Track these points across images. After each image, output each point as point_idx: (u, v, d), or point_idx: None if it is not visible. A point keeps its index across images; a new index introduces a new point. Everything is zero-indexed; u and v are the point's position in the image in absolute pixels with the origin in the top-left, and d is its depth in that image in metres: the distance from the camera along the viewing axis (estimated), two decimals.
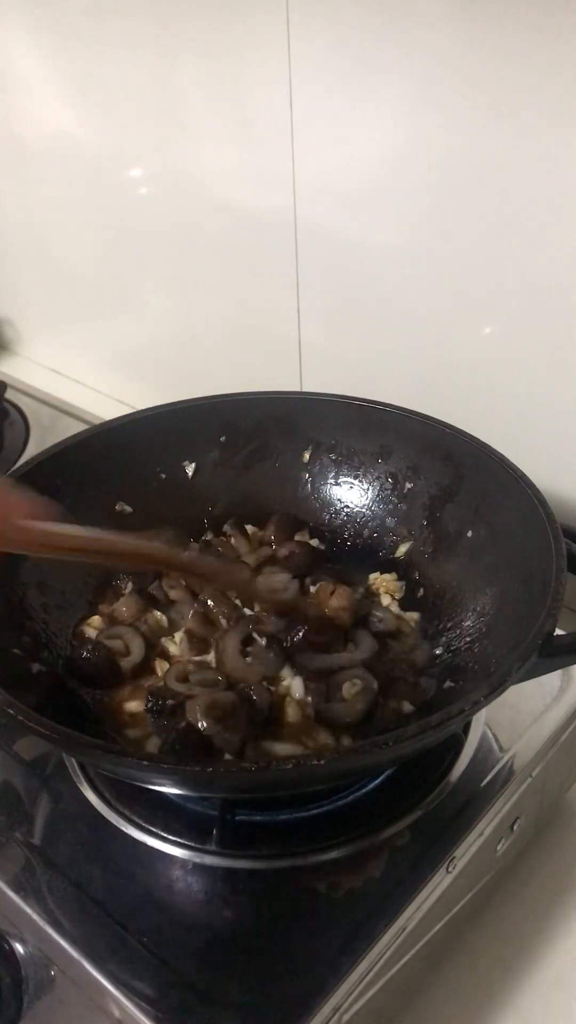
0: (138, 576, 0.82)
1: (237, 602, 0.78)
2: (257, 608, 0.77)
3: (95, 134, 1.19)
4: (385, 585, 0.83)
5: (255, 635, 0.73)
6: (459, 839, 0.65)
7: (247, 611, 0.77)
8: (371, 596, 0.82)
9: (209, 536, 0.88)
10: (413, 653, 0.75)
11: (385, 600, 0.82)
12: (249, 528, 0.89)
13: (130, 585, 0.81)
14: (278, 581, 0.79)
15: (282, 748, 0.66)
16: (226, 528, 0.87)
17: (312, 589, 0.79)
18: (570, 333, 0.84)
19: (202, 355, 1.27)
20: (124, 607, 0.79)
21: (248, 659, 0.71)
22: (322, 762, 0.53)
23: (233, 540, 0.86)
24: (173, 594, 0.81)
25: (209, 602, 0.77)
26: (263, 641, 0.72)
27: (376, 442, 0.87)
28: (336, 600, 0.76)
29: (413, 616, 0.80)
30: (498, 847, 0.71)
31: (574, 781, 0.83)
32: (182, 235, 1.17)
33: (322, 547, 0.88)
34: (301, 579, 0.80)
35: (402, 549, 0.85)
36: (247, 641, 0.72)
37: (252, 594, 0.78)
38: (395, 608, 0.81)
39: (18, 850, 0.65)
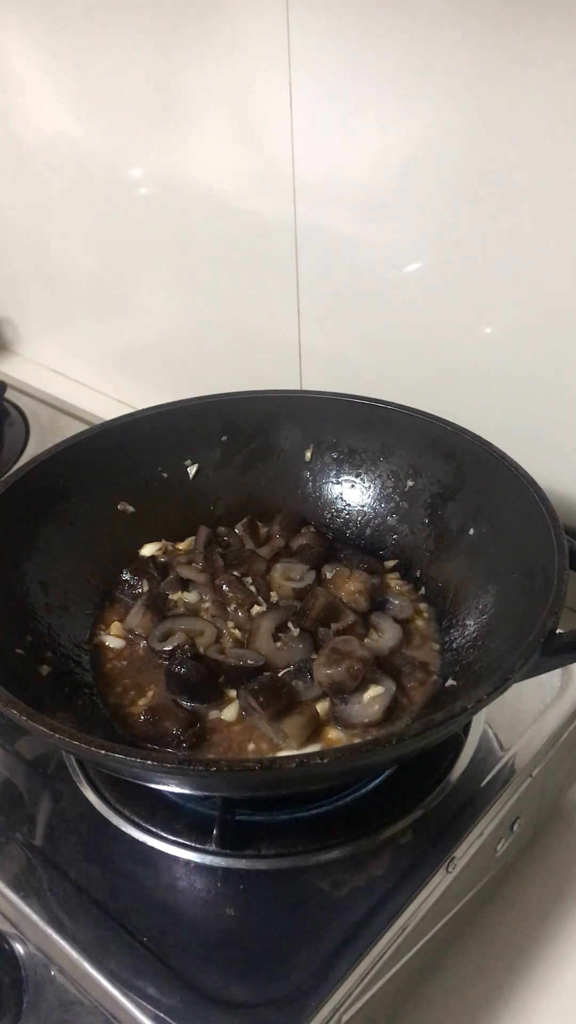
0: (141, 576, 0.81)
1: (252, 588, 0.78)
2: (274, 596, 0.79)
3: (95, 134, 1.19)
4: (387, 583, 0.82)
5: (290, 624, 0.74)
6: (459, 839, 0.65)
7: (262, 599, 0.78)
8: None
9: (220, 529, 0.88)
10: (424, 647, 0.76)
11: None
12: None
13: (145, 585, 0.81)
14: (295, 570, 0.81)
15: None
16: (238, 529, 0.87)
17: (328, 575, 0.80)
18: (570, 332, 0.84)
19: (202, 356, 1.27)
20: (137, 618, 0.78)
21: (278, 644, 0.73)
22: (325, 761, 0.53)
23: (244, 539, 0.87)
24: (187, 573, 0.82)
25: (224, 587, 0.78)
26: (295, 631, 0.73)
27: (377, 440, 0.87)
28: (352, 584, 0.77)
29: (425, 606, 0.80)
30: (498, 847, 0.71)
31: (574, 781, 0.83)
32: (182, 235, 1.17)
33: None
34: (317, 568, 0.81)
35: (403, 547, 0.85)
36: (281, 628, 0.74)
37: (269, 581, 0.80)
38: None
39: (18, 850, 0.65)
